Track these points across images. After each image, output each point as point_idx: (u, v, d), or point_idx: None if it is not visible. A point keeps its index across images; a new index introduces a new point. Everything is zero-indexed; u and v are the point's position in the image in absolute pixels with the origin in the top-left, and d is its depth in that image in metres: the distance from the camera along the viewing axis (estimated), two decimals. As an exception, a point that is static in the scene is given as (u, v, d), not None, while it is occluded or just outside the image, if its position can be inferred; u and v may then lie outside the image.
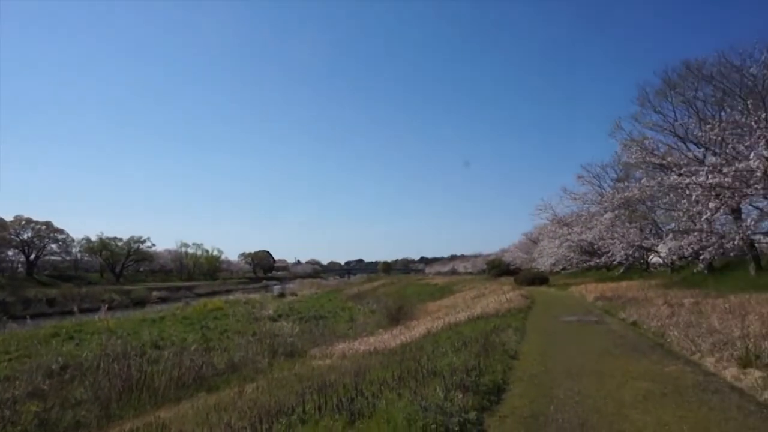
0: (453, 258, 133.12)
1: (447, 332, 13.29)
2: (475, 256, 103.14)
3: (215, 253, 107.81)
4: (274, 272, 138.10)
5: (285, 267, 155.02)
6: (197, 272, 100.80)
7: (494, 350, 8.31)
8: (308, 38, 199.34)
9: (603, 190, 35.22)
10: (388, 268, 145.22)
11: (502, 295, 22.91)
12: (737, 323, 9.35)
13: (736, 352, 7.16)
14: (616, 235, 30.09)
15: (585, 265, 39.39)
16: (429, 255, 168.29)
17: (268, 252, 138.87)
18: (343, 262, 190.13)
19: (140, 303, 51.20)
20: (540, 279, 39.12)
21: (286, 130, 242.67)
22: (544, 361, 8.02)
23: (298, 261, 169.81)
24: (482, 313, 16.39)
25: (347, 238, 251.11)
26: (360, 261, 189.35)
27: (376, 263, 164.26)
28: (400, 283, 64.67)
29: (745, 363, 6.75)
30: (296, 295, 56.56)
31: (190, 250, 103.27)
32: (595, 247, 34.16)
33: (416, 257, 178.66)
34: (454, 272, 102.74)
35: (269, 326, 24.52)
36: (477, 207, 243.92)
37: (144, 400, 10.81)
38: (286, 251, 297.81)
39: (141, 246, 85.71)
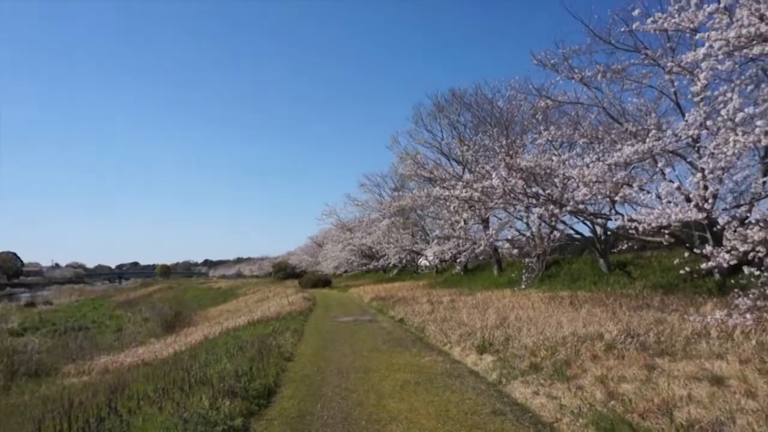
0: (239, 261, 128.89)
1: (225, 337, 12.84)
2: (262, 259, 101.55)
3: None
4: (22, 278, 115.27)
5: (38, 271, 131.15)
6: None
7: (270, 353, 8.27)
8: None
9: (382, 198, 38.12)
10: (167, 271, 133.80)
11: (285, 298, 23.03)
12: (480, 316, 10.98)
13: (476, 342, 8.39)
14: (391, 240, 32.87)
15: (364, 267, 42.10)
16: (214, 258, 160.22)
17: (14, 254, 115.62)
18: (114, 266, 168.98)
19: None
20: (323, 281, 40.46)
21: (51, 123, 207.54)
22: (318, 361, 8.28)
23: (56, 264, 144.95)
24: (263, 317, 16.24)
25: (120, 239, 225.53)
26: (135, 264, 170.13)
27: (153, 266, 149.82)
28: (180, 288, 60.99)
29: (481, 350, 7.96)
30: (51, 304, 49.68)
31: None
32: (374, 250, 36.77)
33: (200, 260, 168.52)
34: (239, 275, 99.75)
35: (9, 342, 20.74)
36: (265, 210, 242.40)
37: None
38: (40, 253, 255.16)
39: None
